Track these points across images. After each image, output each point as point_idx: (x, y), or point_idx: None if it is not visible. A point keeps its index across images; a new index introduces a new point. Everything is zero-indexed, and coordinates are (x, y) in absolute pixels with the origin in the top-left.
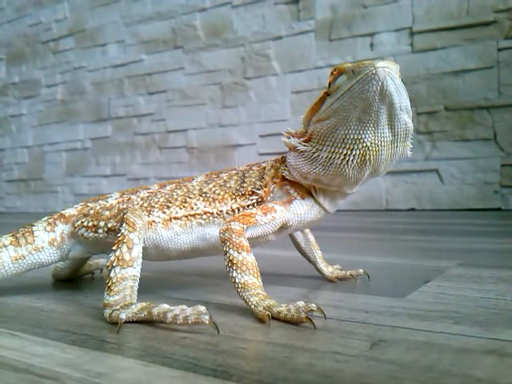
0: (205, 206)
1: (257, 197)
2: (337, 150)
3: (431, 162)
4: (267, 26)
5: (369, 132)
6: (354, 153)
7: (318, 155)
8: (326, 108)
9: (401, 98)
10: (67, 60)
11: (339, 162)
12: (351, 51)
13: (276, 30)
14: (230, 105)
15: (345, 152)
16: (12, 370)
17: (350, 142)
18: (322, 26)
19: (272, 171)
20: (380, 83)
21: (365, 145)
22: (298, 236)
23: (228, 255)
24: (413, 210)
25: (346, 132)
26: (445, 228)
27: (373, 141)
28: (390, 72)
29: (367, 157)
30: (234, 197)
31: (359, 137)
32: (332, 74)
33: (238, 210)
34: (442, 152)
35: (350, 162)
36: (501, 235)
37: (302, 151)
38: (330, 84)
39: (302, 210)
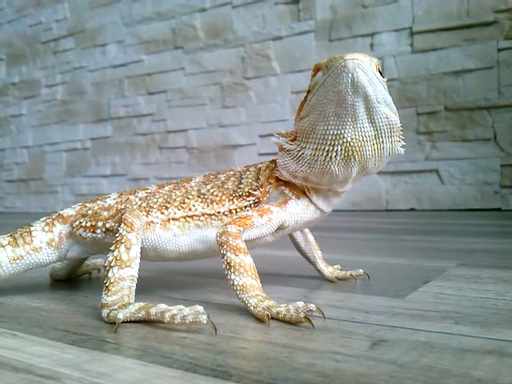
0: (203, 208)
1: (253, 198)
2: (319, 147)
3: (431, 162)
4: (267, 26)
5: (348, 127)
6: (335, 149)
7: (303, 153)
8: (306, 105)
9: (376, 89)
10: (67, 60)
11: (323, 158)
12: (351, 51)
13: (276, 30)
14: (229, 105)
15: (327, 148)
16: (12, 370)
17: (330, 137)
18: (322, 26)
19: (267, 172)
20: (350, 75)
21: (345, 140)
22: (298, 236)
23: (225, 258)
24: (413, 210)
25: (326, 128)
26: (445, 228)
27: (353, 136)
28: (359, 63)
29: (350, 153)
30: (231, 198)
31: (339, 132)
32: (312, 70)
33: (236, 211)
34: (442, 152)
35: (333, 159)
36: (501, 235)
37: (287, 150)
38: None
39: (297, 210)
